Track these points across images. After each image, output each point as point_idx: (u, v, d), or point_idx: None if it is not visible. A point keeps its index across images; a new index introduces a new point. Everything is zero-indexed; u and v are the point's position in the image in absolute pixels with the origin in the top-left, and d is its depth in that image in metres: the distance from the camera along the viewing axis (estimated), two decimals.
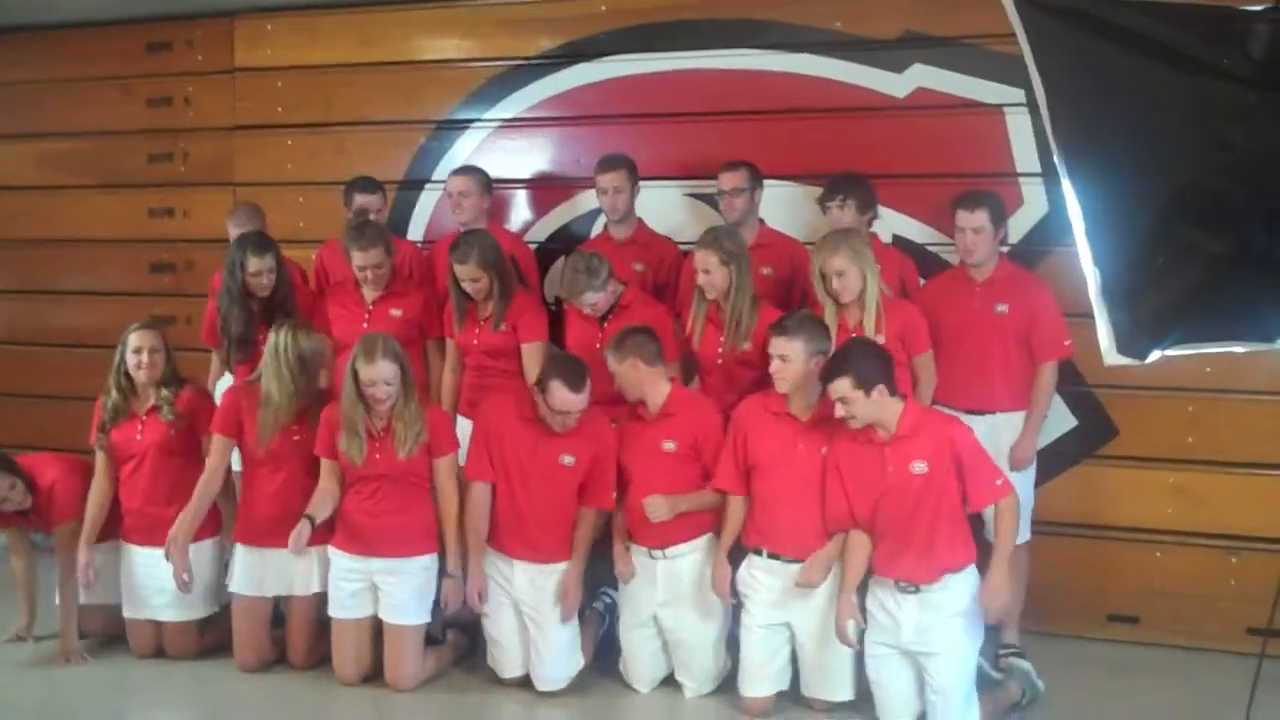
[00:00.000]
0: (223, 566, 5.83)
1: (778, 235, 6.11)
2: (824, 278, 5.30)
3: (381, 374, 5.17)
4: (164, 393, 5.70)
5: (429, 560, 5.46)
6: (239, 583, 5.64)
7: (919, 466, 4.76)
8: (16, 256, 8.19)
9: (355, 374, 5.20)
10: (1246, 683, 4.56)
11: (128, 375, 5.71)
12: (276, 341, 5.47)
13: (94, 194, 7.96)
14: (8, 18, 7.67)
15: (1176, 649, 5.87)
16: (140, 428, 5.73)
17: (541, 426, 5.34)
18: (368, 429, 5.31)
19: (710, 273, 5.47)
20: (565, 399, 5.19)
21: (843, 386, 4.72)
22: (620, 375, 5.28)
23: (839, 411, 4.77)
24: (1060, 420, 5.91)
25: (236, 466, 5.79)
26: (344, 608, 5.46)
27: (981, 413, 5.35)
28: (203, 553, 5.71)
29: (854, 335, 5.22)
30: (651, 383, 5.31)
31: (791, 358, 5.00)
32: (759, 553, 5.18)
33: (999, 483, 4.83)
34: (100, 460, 5.81)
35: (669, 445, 5.30)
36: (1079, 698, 5.38)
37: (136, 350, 5.66)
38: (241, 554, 5.65)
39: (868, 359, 4.78)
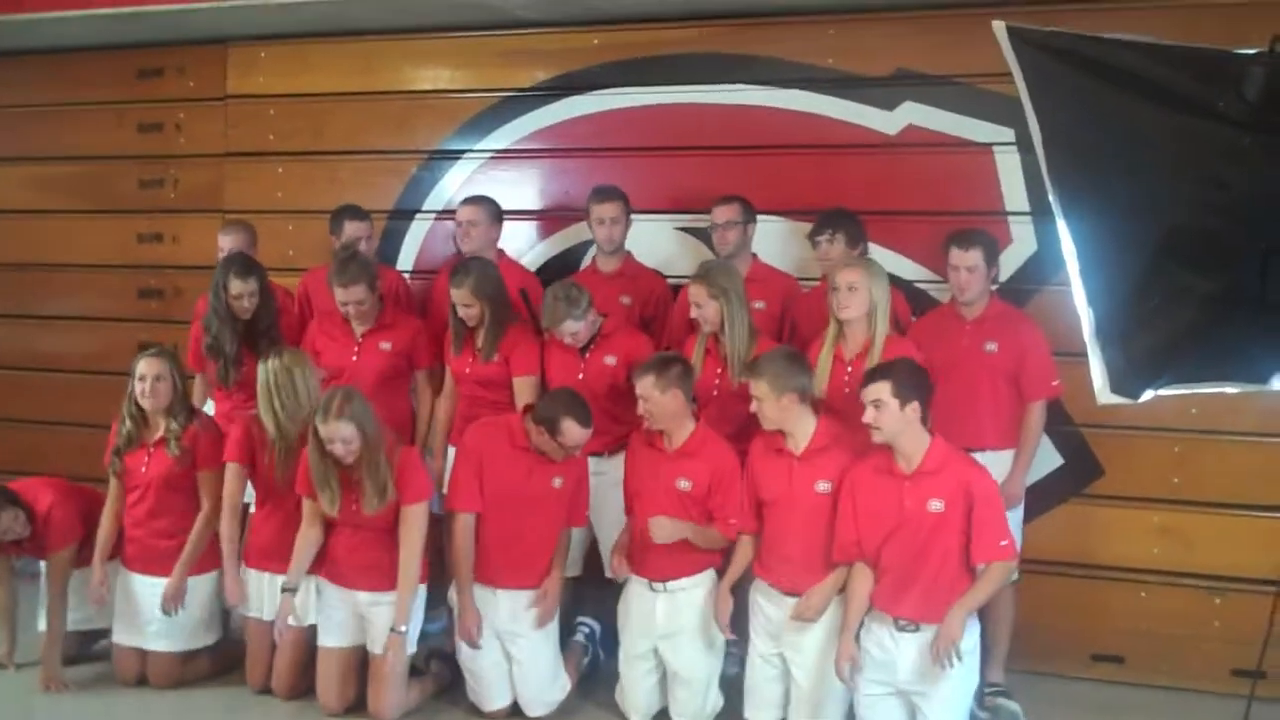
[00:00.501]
0: (219, 600, 5.83)
1: (770, 270, 6.13)
2: (834, 290, 5.30)
3: (339, 433, 5.12)
4: (172, 425, 5.68)
5: None
6: (249, 605, 5.67)
7: (935, 505, 4.73)
8: (4, 279, 8.16)
9: (316, 430, 5.19)
10: None
11: (138, 403, 5.69)
12: (265, 374, 5.47)
13: (84, 219, 7.94)
14: (1, 42, 7.67)
15: (1161, 689, 5.85)
16: (147, 459, 5.72)
17: (533, 453, 5.34)
18: (342, 479, 5.29)
19: (701, 306, 5.49)
20: (579, 435, 5.23)
21: (881, 389, 4.71)
22: (655, 402, 5.17)
23: (867, 417, 4.74)
24: (1047, 459, 5.91)
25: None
26: (330, 636, 5.44)
27: (970, 451, 5.32)
28: (201, 586, 5.73)
29: (849, 370, 5.25)
30: (682, 417, 5.28)
31: (761, 397, 5.00)
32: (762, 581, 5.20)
33: (1003, 544, 4.75)
34: (114, 485, 5.81)
35: (684, 484, 5.26)
36: None
37: (141, 378, 5.64)
38: (251, 578, 5.66)
39: (913, 376, 4.78)
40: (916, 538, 4.75)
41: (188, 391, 5.90)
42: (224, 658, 5.87)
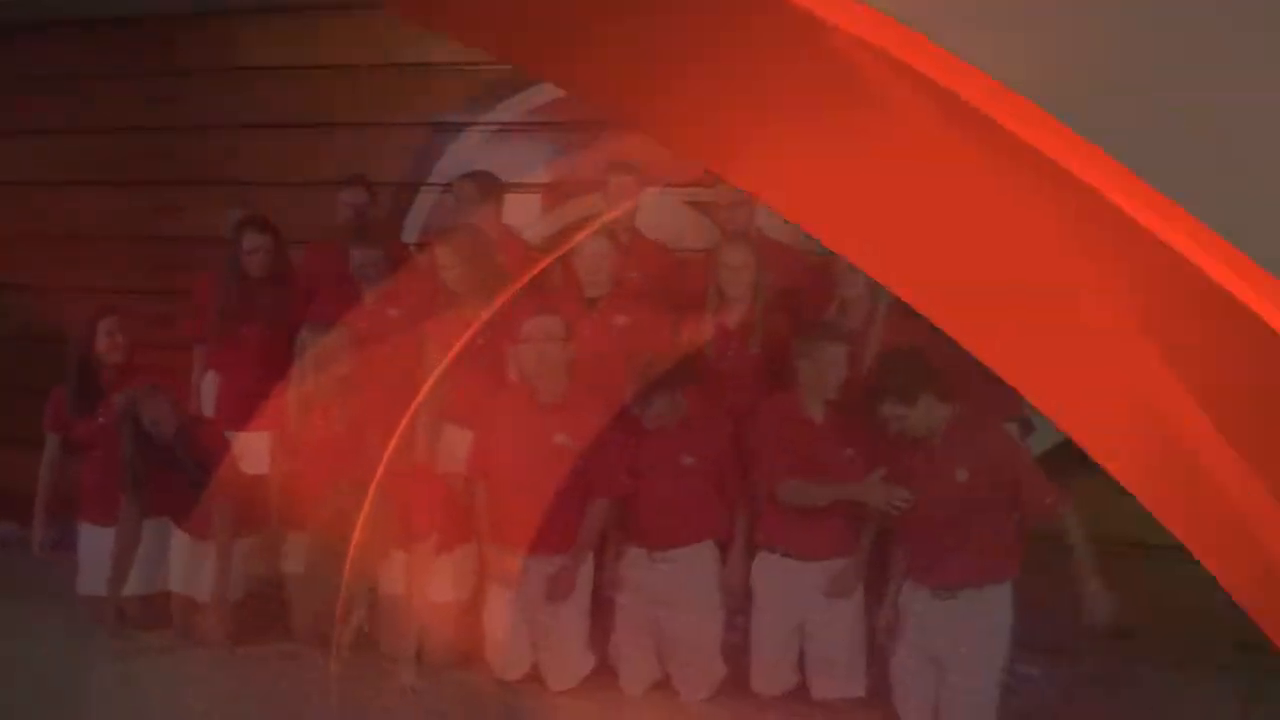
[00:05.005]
0: None
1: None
2: None
3: None
4: None
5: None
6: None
7: (961, 474, 4.69)
8: None
9: None
10: None
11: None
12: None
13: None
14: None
15: None
16: None
17: (535, 408, 5.33)
18: None
19: (747, 268, 5.43)
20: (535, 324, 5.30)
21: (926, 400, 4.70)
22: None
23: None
24: None
25: None
26: None
27: None
28: None
29: None
30: None
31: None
32: (771, 550, 5.19)
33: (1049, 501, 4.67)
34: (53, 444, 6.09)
35: (689, 460, 5.26)
36: None
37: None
38: None
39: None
40: (944, 508, 4.71)
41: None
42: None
